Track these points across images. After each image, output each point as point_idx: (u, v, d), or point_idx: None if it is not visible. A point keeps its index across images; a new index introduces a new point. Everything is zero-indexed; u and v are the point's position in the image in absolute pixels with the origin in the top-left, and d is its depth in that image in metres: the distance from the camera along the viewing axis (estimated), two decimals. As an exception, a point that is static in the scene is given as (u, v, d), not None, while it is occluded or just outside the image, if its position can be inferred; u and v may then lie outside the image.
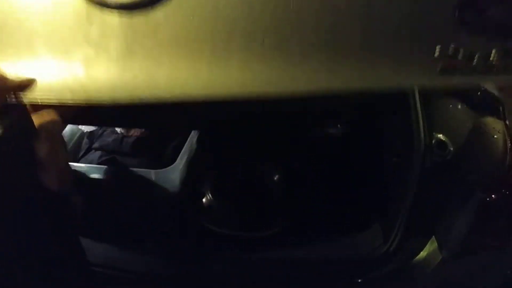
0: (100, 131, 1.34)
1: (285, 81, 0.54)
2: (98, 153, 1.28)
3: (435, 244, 0.92)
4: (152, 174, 1.11)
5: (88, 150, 1.31)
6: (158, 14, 0.53)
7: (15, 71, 0.54)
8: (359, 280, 0.93)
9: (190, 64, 0.53)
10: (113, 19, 0.54)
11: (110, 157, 1.23)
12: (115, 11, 0.53)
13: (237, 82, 0.53)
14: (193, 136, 1.25)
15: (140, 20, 0.53)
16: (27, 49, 0.55)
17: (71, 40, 0.54)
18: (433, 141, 0.92)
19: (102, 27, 0.54)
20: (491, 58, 0.55)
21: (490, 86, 0.96)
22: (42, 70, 0.54)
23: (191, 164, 1.18)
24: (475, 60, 0.55)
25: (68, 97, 0.53)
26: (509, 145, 0.88)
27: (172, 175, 1.13)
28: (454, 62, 0.55)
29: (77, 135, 1.35)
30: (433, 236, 0.93)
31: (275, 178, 1.19)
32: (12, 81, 0.49)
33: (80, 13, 0.54)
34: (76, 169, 1.15)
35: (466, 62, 0.55)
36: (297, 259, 0.98)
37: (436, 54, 0.55)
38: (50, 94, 0.53)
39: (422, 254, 0.94)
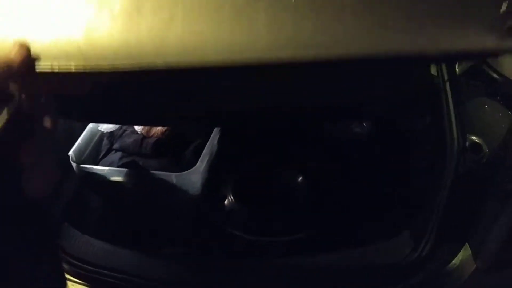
0: (120, 132, 1.33)
1: (326, 41, 0.43)
2: (119, 154, 1.26)
3: (469, 252, 0.88)
4: (173, 177, 1.09)
5: (109, 151, 1.30)
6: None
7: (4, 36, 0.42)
8: (389, 289, 0.89)
9: (208, 18, 0.43)
10: None
11: (130, 160, 1.21)
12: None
13: (266, 43, 0.42)
14: (214, 137, 1.22)
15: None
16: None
17: None
18: (467, 144, 0.87)
19: None
20: None
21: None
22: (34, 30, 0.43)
23: (212, 167, 1.16)
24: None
25: (62, 63, 0.42)
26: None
27: (193, 177, 1.10)
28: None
29: (97, 135, 1.34)
30: (467, 244, 0.89)
31: (300, 181, 1.16)
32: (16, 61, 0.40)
33: None
34: (97, 171, 1.14)
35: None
36: (322, 266, 0.95)
37: (503, 9, 0.47)
38: (42, 61, 0.42)
39: (455, 262, 0.89)
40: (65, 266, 0.94)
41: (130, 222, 1.06)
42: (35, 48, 0.42)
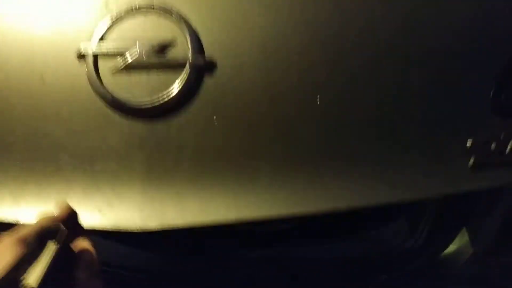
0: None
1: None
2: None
3: (466, 238, 0.86)
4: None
5: None
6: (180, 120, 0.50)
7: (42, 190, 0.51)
8: (385, 277, 0.86)
9: (218, 182, 0.51)
10: (135, 126, 0.51)
11: None
12: (136, 117, 0.51)
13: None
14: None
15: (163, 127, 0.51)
16: (53, 163, 0.52)
17: (96, 151, 0.51)
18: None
19: (123, 135, 0.51)
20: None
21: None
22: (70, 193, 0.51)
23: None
24: (508, 149, 0.51)
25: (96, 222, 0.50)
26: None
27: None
28: (487, 154, 0.53)
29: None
30: (464, 229, 0.87)
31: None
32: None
33: (102, 120, 0.51)
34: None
35: (498, 152, 0.53)
36: (317, 255, 0.91)
37: (468, 144, 0.53)
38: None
39: (451, 248, 0.87)
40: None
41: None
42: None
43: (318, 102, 0.50)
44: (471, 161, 0.53)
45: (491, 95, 0.54)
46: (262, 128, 0.51)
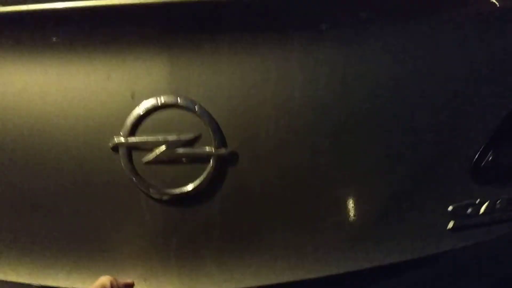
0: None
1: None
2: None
3: None
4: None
5: None
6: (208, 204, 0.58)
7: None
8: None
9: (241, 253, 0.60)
10: (168, 210, 0.58)
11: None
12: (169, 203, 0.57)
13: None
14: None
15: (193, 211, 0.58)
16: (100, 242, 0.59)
17: (136, 231, 0.59)
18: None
19: (158, 219, 0.59)
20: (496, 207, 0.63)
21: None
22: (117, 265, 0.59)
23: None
24: (483, 210, 0.61)
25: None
26: None
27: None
28: (465, 217, 0.61)
29: None
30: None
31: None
32: None
33: (136, 205, 0.58)
34: None
35: (474, 215, 0.62)
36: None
37: (449, 209, 0.61)
38: None
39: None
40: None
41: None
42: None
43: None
44: (451, 224, 0.63)
45: (471, 166, 0.62)
46: (277, 208, 0.59)
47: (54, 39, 0.55)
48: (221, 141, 0.57)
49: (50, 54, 0.56)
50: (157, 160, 0.57)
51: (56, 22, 0.56)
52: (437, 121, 0.61)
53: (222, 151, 0.57)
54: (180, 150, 0.57)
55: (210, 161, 0.57)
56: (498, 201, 0.65)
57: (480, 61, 0.61)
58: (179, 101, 0.57)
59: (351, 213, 0.61)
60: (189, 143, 0.57)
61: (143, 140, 0.57)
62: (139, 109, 0.57)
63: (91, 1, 0.54)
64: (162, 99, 0.57)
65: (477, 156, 0.63)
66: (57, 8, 0.54)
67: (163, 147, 0.57)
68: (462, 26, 0.60)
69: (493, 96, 0.62)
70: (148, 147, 0.57)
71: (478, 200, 0.64)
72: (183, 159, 0.57)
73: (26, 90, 0.57)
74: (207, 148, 0.57)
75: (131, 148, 0.57)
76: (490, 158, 0.64)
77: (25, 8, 0.55)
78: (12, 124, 0.58)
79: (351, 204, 0.61)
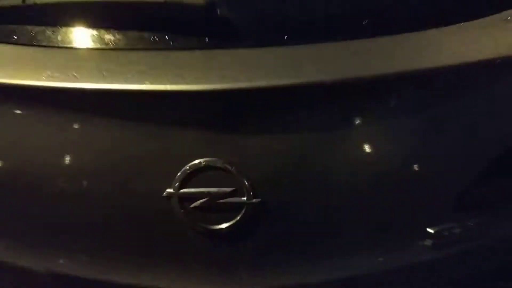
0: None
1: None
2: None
3: None
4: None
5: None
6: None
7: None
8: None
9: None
10: (211, 246, 0.75)
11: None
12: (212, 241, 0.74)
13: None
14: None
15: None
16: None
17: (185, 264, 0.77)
18: None
19: (202, 253, 0.76)
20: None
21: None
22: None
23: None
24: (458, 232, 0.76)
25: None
26: None
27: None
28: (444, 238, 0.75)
29: None
30: None
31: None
32: None
33: (187, 243, 0.76)
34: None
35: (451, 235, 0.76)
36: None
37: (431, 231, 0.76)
38: None
39: None
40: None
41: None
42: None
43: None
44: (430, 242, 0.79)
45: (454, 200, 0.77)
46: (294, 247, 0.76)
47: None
48: (253, 193, 0.71)
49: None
50: (201, 206, 0.72)
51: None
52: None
53: (253, 201, 0.72)
54: (220, 200, 0.72)
55: (243, 208, 0.72)
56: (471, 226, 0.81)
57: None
58: (218, 163, 0.70)
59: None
60: (227, 195, 0.71)
61: (190, 192, 0.71)
62: (187, 169, 0.70)
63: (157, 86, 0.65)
64: (205, 162, 0.70)
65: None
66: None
67: (206, 198, 0.71)
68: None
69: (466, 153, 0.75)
70: (194, 197, 0.72)
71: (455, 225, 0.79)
72: (223, 206, 0.72)
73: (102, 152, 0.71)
74: (242, 198, 0.72)
75: (180, 197, 0.72)
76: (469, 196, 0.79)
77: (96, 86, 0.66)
78: (89, 176, 0.72)
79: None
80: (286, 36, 0.73)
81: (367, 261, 0.78)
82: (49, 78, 0.65)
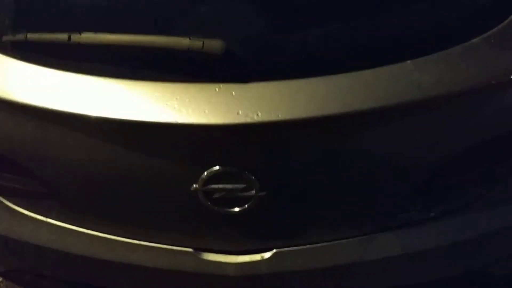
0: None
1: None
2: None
3: None
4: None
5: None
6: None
7: None
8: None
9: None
10: (227, 220, 1.00)
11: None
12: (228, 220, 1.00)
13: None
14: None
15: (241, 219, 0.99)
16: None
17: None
18: None
19: (221, 228, 1.03)
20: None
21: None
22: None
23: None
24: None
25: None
26: None
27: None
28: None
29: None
30: None
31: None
32: None
33: (209, 223, 1.02)
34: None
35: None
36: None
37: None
38: None
39: None
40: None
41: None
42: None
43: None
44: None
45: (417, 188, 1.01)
46: (292, 226, 1.02)
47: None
48: (260, 188, 0.94)
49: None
50: (222, 197, 0.96)
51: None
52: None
53: (261, 194, 0.95)
54: (235, 194, 0.95)
55: (253, 199, 0.96)
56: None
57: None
58: (233, 169, 0.92)
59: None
60: (241, 190, 0.95)
61: (212, 188, 0.95)
62: (209, 173, 0.93)
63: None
64: (223, 168, 0.92)
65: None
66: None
67: (225, 193, 0.95)
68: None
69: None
70: (217, 191, 0.95)
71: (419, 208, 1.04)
72: (237, 198, 0.96)
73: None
74: (251, 192, 0.95)
75: (204, 191, 0.95)
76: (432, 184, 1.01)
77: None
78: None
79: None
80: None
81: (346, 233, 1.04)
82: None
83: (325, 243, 1.06)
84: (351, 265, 1.07)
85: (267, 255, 1.05)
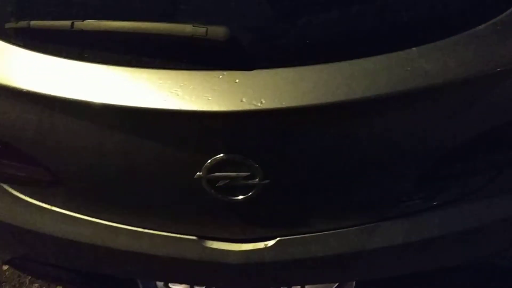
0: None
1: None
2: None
3: None
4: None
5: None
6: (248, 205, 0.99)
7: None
8: None
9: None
10: (230, 205, 0.99)
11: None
12: (232, 206, 1.00)
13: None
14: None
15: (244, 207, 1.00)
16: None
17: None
18: None
19: (224, 210, 1.02)
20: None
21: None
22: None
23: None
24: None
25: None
26: None
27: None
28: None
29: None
30: None
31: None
32: None
33: (210, 207, 1.01)
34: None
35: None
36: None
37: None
38: None
39: None
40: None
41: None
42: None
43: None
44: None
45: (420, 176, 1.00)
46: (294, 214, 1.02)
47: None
48: (264, 176, 0.94)
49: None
50: (225, 185, 0.96)
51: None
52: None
53: (264, 182, 0.95)
54: (242, 182, 0.94)
55: (256, 186, 0.96)
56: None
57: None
58: (237, 157, 0.92)
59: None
60: (245, 177, 0.94)
61: (216, 176, 0.95)
62: (212, 161, 0.93)
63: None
64: (226, 156, 0.92)
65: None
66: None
67: (229, 181, 0.95)
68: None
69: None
70: (220, 179, 0.95)
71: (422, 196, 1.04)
72: (241, 185, 0.96)
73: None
74: (255, 180, 0.95)
75: (208, 179, 0.95)
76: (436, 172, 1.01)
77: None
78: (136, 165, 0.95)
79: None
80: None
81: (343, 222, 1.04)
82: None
83: (329, 232, 1.06)
84: (355, 253, 1.07)
85: (270, 243, 1.05)
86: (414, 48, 0.87)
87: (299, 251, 1.06)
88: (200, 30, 0.82)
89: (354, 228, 1.06)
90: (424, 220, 1.08)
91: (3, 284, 1.83)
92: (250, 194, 0.96)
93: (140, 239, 1.07)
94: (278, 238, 1.05)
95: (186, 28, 0.83)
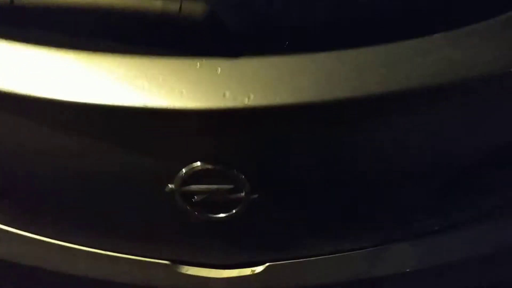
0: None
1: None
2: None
3: None
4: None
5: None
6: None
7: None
8: None
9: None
10: (210, 228, 0.85)
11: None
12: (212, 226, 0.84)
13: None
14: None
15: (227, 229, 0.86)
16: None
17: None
18: None
19: (203, 232, 0.87)
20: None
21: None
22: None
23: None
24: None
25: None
26: None
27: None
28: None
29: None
30: None
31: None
32: None
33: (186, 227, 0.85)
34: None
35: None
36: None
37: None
38: None
39: None
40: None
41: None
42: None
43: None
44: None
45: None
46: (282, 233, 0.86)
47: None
48: (250, 190, 0.77)
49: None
50: (204, 200, 0.79)
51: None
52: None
53: (251, 196, 0.78)
54: (221, 197, 0.78)
55: (242, 202, 0.79)
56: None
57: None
58: (218, 166, 0.75)
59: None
60: (228, 191, 0.78)
61: (192, 189, 0.77)
62: (188, 171, 0.75)
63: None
64: (205, 164, 0.75)
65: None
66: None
67: (207, 195, 0.78)
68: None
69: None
70: (197, 193, 0.78)
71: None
72: (224, 201, 0.79)
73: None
74: (240, 194, 0.78)
75: (183, 193, 0.78)
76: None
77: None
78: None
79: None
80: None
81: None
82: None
83: (327, 256, 0.91)
84: (358, 281, 0.93)
85: (258, 269, 0.91)
86: (438, 35, 0.71)
87: (293, 279, 0.92)
88: (173, 6, 0.66)
89: (356, 252, 0.91)
90: (438, 242, 0.94)
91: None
92: (234, 211, 0.80)
93: (100, 263, 0.91)
94: (267, 264, 0.90)
95: (156, 4, 0.66)
